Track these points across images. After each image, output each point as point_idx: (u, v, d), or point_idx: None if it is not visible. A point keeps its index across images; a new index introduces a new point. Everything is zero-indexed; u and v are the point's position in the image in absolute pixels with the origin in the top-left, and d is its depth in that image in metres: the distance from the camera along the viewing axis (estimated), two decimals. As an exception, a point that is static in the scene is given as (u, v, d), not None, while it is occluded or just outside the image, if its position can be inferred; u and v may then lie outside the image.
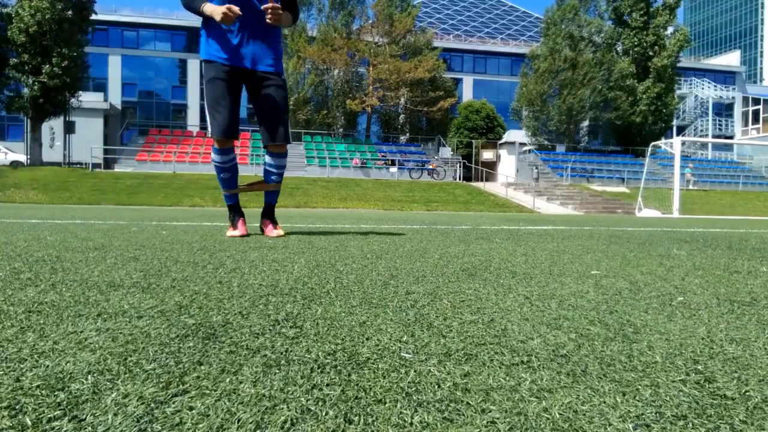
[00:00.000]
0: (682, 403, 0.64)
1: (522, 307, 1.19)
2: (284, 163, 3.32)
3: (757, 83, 61.44)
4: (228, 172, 3.25)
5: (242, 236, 3.13)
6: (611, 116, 33.77)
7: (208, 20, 3.03)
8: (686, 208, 18.73)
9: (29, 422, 0.55)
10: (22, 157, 27.14)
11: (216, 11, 2.86)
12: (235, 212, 3.34)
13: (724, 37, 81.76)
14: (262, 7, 2.94)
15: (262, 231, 3.37)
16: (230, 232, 3.22)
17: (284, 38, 32.47)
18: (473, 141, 32.68)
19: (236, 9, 2.82)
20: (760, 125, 44.90)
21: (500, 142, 31.79)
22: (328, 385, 0.67)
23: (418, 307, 1.17)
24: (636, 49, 34.41)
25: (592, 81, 32.27)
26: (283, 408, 0.60)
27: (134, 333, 0.90)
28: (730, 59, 49.85)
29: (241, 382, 0.67)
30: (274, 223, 3.33)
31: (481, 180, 27.88)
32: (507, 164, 30.09)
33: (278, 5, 2.93)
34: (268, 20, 2.93)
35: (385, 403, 0.62)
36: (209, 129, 3.11)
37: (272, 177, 3.34)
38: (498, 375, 0.72)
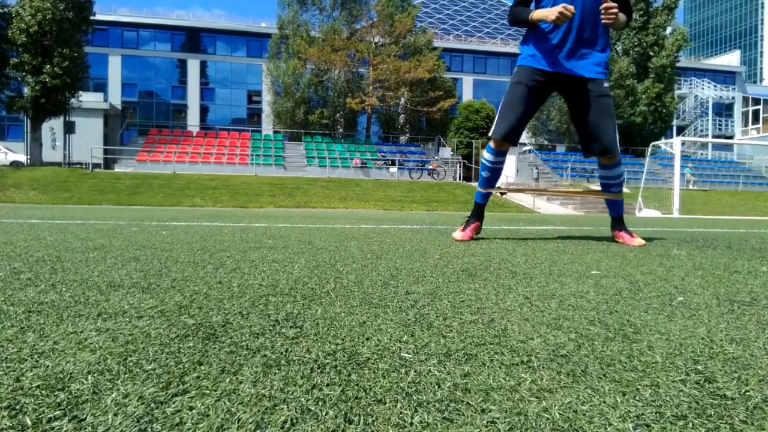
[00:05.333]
0: (682, 403, 0.64)
1: (522, 307, 1.19)
2: (620, 172, 3.18)
3: (757, 83, 61.41)
4: (492, 173, 3.24)
5: (463, 240, 3.06)
6: (611, 116, 33.72)
7: (531, 28, 3.00)
8: (686, 208, 18.72)
9: (29, 422, 0.55)
10: (22, 157, 27.15)
11: (550, 13, 2.81)
12: (476, 214, 3.28)
13: (724, 37, 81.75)
14: (601, 7, 2.84)
15: (617, 241, 3.23)
16: (456, 234, 3.17)
17: (285, 39, 32.53)
18: (473, 141, 32.67)
19: (572, 8, 2.75)
20: (760, 125, 44.90)
21: (500, 142, 31.74)
22: (328, 385, 0.67)
23: (418, 307, 1.17)
24: (636, 49, 34.43)
25: (592, 81, 32.23)
26: (283, 408, 0.60)
27: (134, 333, 0.90)
28: (730, 59, 49.86)
29: (241, 382, 0.67)
30: (629, 232, 3.19)
31: (481, 180, 27.82)
32: (507, 164, 30.00)
33: (615, 5, 2.82)
34: (603, 21, 2.85)
35: (385, 403, 0.62)
36: (493, 128, 3.08)
37: (611, 188, 3.24)
38: (498, 375, 0.72)
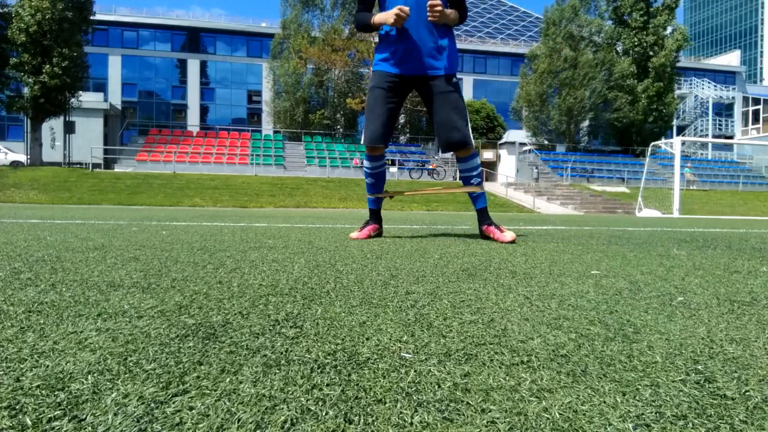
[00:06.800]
0: (682, 403, 0.64)
1: (522, 307, 1.19)
2: (476, 163, 3.19)
3: (757, 83, 61.44)
4: (373, 178, 3.31)
5: (358, 238, 3.12)
6: (611, 117, 33.76)
7: (375, 31, 3.07)
8: (686, 208, 18.73)
9: (29, 422, 0.55)
10: (22, 157, 27.16)
11: (388, 16, 2.89)
12: (372, 218, 3.38)
13: (724, 37, 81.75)
14: (427, 5, 2.88)
15: (486, 237, 3.18)
16: (353, 233, 3.24)
17: (286, 38, 32.54)
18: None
19: (406, 8, 2.82)
20: (760, 125, 44.91)
21: (500, 142, 31.83)
22: (328, 385, 0.67)
23: (418, 307, 1.17)
24: (636, 48, 34.42)
25: (592, 81, 32.27)
26: (283, 408, 0.60)
27: (134, 333, 0.90)
28: (730, 59, 49.88)
29: (241, 382, 0.67)
30: (498, 227, 3.12)
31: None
32: (507, 164, 30.11)
33: (438, 2, 2.86)
34: (429, 18, 2.90)
35: (385, 403, 0.62)
36: (362, 136, 3.17)
37: (471, 180, 3.22)
38: (498, 375, 0.72)
